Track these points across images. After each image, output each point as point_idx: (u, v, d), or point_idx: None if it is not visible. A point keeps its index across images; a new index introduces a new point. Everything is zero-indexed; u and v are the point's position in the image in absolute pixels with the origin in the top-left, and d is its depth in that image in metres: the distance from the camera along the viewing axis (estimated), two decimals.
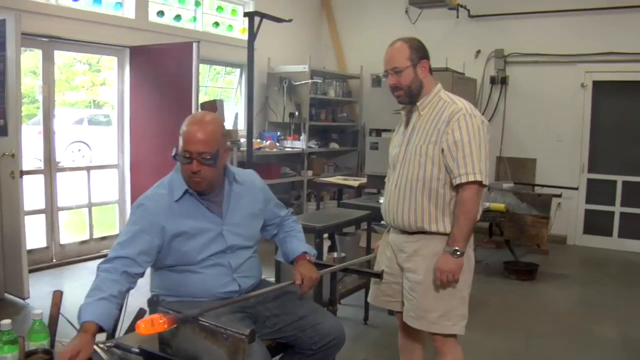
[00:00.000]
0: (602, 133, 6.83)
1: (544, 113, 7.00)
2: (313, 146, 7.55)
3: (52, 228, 5.37)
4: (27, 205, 4.36)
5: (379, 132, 6.93)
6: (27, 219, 4.38)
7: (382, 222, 4.27)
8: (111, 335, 2.13)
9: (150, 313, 2.03)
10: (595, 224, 6.92)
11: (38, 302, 4.19)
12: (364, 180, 6.29)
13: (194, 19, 6.64)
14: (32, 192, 5.21)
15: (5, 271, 4.36)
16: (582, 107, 6.83)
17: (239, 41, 6.99)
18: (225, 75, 7.64)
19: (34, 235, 5.22)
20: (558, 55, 6.81)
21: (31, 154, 6.08)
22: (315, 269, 2.37)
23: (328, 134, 8.16)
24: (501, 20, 7.13)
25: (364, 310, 4.10)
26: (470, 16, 7.27)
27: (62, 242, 5.49)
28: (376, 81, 6.95)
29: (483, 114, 3.26)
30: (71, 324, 2.10)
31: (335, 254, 4.00)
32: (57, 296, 2.21)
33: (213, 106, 5.67)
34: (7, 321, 1.77)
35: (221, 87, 7.64)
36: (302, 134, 7.16)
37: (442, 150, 2.30)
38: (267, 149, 6.79)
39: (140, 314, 2.45)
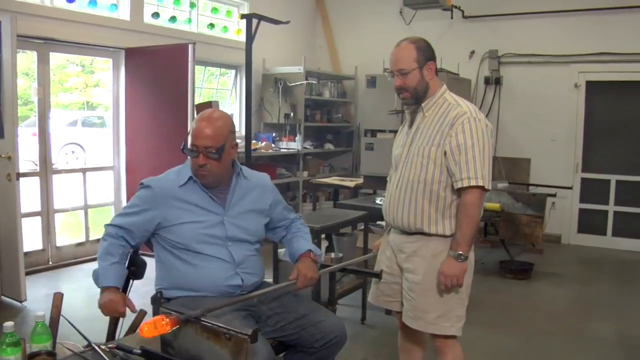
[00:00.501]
0: (596, 133, 6.88)
1: (538, 113, 7.04)
2: (308, 147, 7.56)
3: (48, 230, 5.36)
4: (23, 208, 4.34)
5: (374, 132, 6.94)
6: (23, 222, 4.37)
7: (378, 222, 4.29)
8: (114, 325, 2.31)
9: (154, 310, 2.04)
10: (589, 223, 6.97)
11: (35, 305, 4.19)
12: (360, 180, 6.30)
13: (189, 20, 6.64)
14: (28, 194, 5.19)
15: (2, 274, 4.34)
16: (576, 107, 6.88)
17: (234, 42, 7.00)
18: (219, 76, 7.64)
19: (30, 238, 5.20)
20: (552, 55, 6.86)
21: (25, 156, 6.05)
22: (315, 268, 2.38)
23: (323, 135, 8.17)
24: (495, 21, 7.17)
25: (361, 310, 4.12)
26: (464, 17, 7.31)
27: (58, 244, 5.48)
28: (371, 82, 6.97)
29: None
30: (73, 326, 2.11)
31: (332, 254, 4.03)
32: (58, 298, 2.21)
33: (209, 107, 5.65)
34: (9, 323, 1.78)
35: (216, 89, 7.64)
36: (298, 134, 7.17)
37: (445, 153, 2.30)
38: (262, 150, 6.79)
39: (141, 315, 2.46)
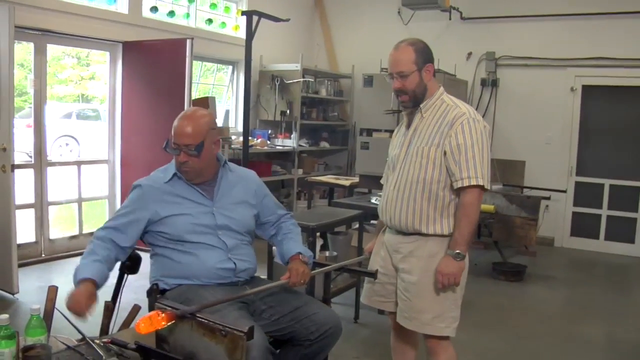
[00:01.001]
0: (591, 137, 6.91)
1: (533, 116, 7.07)
2: (304, 145, 7.55)
3: (41, 223, 5.33)
4: (17, 200, 4.32)
5: (369, 131, 6.92)
6: (16, 214, 4.35)
7: (372, 221, 4.28)
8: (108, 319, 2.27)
9: (150, 303, 2.04)
10: (583, 226, 7.00)
11: (27, 297, 4.18)
12: (355, 179, 6.30)
13: (187, 15, 6.61)
14: (21, 186, 5.16)
15: None
16: (572, 110, 6.90)
17: (232, 38, 6.98)
18: (216, 72, 7.62)
19: (23, 230, 5.17)
20: (548, 59, 6.88)
21: (19, 148, 6.02)
22: (306, 266, 2.40)
23: (319, 133, 8.17)
24: (493, 23, 7.18)
25: (354, 309, 4.13)
26: (462, 18, 7.32)
27: (51, 237, 5.45)
28: (368, 81, 6.96)
29: None
30: (67, 319, 2.09)
31: (327, 253, 4.03)
32: (52, 291, 2.21)
33: (205, 103, 5.66)
34: (4, 316, 1.75)
35: (212, 84, 7.62)
36: (293, 132, 7.17)
37: (445, 153, 2.31)
38: (257, 147, 6.78)
39: (135, 310, 2.46)
